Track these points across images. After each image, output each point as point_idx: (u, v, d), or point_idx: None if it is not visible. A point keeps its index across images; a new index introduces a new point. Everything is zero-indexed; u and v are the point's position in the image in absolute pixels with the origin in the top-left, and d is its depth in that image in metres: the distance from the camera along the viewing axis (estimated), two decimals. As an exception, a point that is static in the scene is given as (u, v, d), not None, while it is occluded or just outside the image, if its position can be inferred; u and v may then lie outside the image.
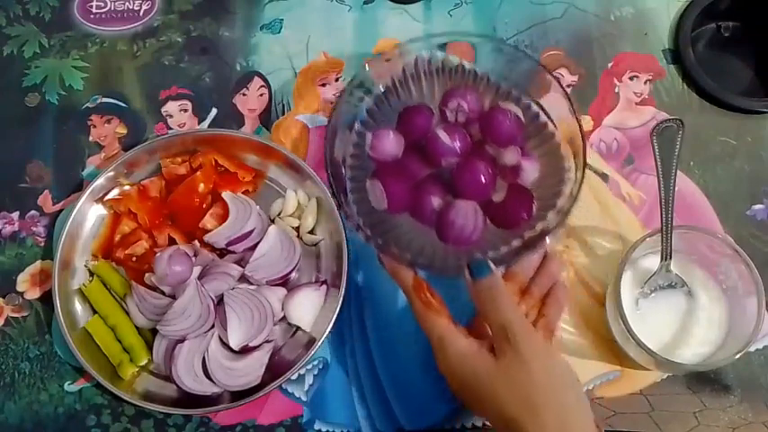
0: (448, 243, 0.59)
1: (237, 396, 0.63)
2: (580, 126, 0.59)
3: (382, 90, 0.64)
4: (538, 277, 0.61)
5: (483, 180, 0.59)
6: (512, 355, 0.53)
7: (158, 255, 0.65)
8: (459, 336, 0.55)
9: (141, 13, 0.81)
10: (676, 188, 0.61)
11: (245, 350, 0.64)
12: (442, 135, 0.60)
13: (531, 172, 0.61)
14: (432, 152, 0.61)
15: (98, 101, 0.78)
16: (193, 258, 0.67)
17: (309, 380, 0.67)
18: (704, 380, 0.66)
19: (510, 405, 0.52)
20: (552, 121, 0.62)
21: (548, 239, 0.58)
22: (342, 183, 0.62)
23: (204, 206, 0.70)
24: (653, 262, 0.64)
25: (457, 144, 0.60)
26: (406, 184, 0.61)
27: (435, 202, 0.60)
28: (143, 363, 0.66)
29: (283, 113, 0.76)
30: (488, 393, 0.53)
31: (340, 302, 0.65)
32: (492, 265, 0.55)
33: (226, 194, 0.69)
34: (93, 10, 0.81)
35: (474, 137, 0.62)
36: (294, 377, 0.67)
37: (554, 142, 0.63)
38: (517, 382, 0.52)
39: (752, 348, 0.67)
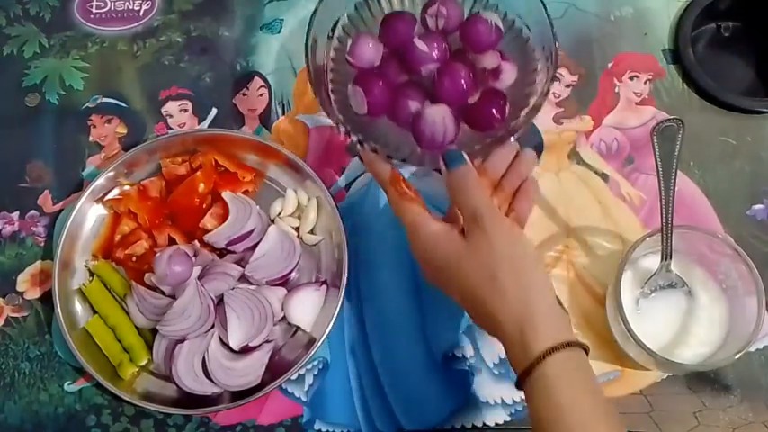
0: (422, 148, 0.62)
1: (237, 396, 0.64)
2: (551, 25, 0.62)
3: None
4: (509, 174, 0.61)
5: (463, 84, 0.62)
6: (479, 235, 0.54)
7: (158, 255, 0.65)
8: (432, 220, 0.57)
9: (141, 13, 0.81)
10: (676, 188, 0.61)
11: (245, 350, 0.64)
12: (419, 44, 0.62)
13: (509, 74, 0.64)
14: (410, 60, 0.63)
15: (98, 101, 0.78)
16: (193, 258, 0.67)
17: (309, 380, 0.67)
18: (704, 380, 0.66)
19: (476, 284, 0.54)
20: (527, 25, 0.64)
21: (513, 138, 0.60)
22: (323, 86, 0.64)
23: (204, 206, 0.70)
24: (653, 262, 0.64)
25: (435, 52, 0.62)
26: (386, 91, 0.63)
27: (413, 106, 0.62)
28: (143, 363, 0.66)
29: (283, 113, 0.77)
30: (456, 273, 0.55)
31: (340, 302, 0.65)
32: (465, 156, 0.57)
33: (226, 194, 0.69)
34: (94, 10, 0.81)
35: (453, 46, 0.65)
36: (294, 377, 0.67)
37: (528, 45, 0.65)
38: (483, 261, 0.54)
39: (752, 348, 0.67)
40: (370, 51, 0.63)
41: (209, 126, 0.76)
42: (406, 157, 0.62)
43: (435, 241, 0.56)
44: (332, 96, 0.65)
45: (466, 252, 0.54)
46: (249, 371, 0.64)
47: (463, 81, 0.62)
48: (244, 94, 0.77)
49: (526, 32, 0.65)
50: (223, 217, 0.69)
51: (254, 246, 0.68)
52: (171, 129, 0.76)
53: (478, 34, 0.63)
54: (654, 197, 0.72)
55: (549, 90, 0.62)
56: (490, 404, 0.66)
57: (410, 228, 0.57)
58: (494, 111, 0.62)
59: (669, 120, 0.62)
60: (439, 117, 0.61)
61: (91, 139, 0.76)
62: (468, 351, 0.67)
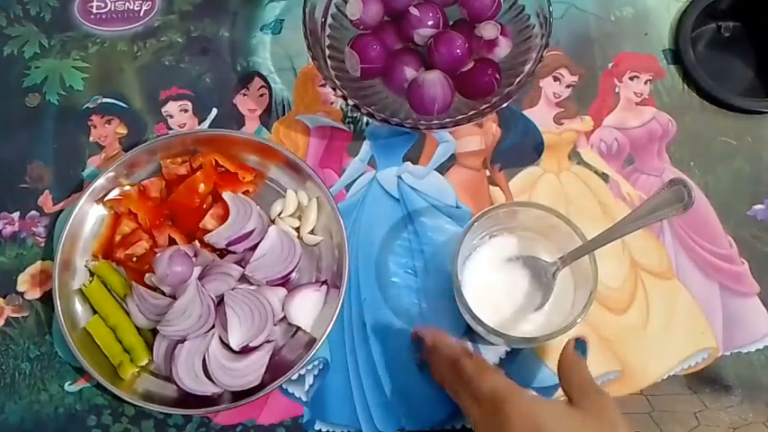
0: (417, 113, 0.64)
1: (238, 396, 0.64)
2: None
3: None
4: None
5: (458, 52, 0.64)
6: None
7: (159, 255, 0.66)
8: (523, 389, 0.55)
9: (141, 14, 0.81)
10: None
11: (246, 350, 0.64)
12: (414, 10, 0.64)
13: (503, 48, 0.67)
14: (405, 27, 0.65)
15: (98, 101, 0.78)
16: (194, 259, 0.67)
17: (310, 380, 0.67)
18: (705, 380, 0.66)
19: None
20: None
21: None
22: (320, 50, 0.66)
23: (204, 206, 0.70)
24: (506, 238, 0.64)
25: (430, 22, 0.65)
26: (382, 54, 0.65)
27: (408, 72, 0.64)
28: (143, 363, 0.66)
29: (284, 114, 0.77)
30: None
31: (340, 303, 0.65)
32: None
33: (226, 195, 0.69)
34: (94, 10, 0.81)
35: (454, 17, 0.68)
36: (294, 377, 0.67)
37: (524, 14, 0.69)
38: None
39: (752, 348, 0.67)
40: (371, 10, 0.65)
41: (209, 126, 0.76)
42: (401, 122, 0.63)
43: (540, 407, 0.53)
44: (329, 62, 0.66)
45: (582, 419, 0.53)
46: (249, 371, 0.64)
47: (458, 49, 0.64)
48: (244, 95, 0.77)
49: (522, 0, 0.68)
50: (223, 217, 0.69)
51: (255, 246, 0.68)
52: (171, 129, 0.76)
53: (479, 2, 0.66)
54: (654, 197, 0.72)
55: (542, 57, 0.64)
56: (490, 404, 0.66)
57: (503, 395, 0.54)
58: (486, 80, 0.64)
59: None
60: (434, 83, 0.62)
61: (91, 139, 0.76)
62: (469, 351, 0.67)
